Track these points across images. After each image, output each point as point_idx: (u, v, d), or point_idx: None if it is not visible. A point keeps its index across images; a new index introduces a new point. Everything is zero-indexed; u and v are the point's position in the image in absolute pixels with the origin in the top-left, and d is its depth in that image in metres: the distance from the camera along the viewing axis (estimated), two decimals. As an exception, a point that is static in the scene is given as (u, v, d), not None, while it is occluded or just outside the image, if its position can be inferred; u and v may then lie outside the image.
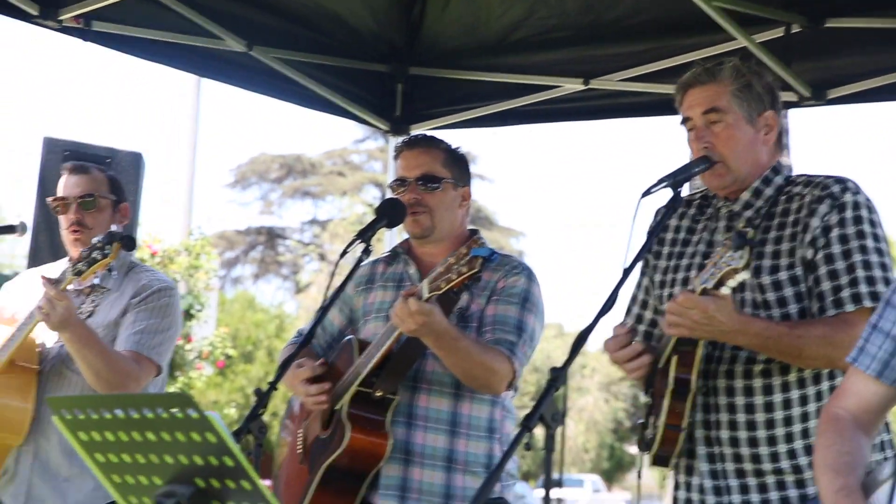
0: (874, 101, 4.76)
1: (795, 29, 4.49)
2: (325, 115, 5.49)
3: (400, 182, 3.51)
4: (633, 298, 3.22)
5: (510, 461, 3.41)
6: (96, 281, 3.66)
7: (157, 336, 3.64)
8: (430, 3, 5.09)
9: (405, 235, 3.64)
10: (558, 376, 2.36)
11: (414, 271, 3.52)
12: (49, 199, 3.87)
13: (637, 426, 3.01)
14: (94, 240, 3.47)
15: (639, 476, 3.04)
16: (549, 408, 2.28)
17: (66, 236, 3.77)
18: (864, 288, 2.82)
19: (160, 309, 3.67)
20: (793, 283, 2.88)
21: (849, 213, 2.87)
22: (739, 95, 2.95)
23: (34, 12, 4.56)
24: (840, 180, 2.92)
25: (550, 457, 2.24)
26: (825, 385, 2.90)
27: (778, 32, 4.52)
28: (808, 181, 2.97)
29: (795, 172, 3.10)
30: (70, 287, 3.54)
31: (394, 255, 3.62)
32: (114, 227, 3.53)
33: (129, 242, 3.45)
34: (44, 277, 3.52)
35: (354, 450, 3.26)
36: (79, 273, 3.45)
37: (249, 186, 37.55)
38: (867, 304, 2.80)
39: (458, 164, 3.56)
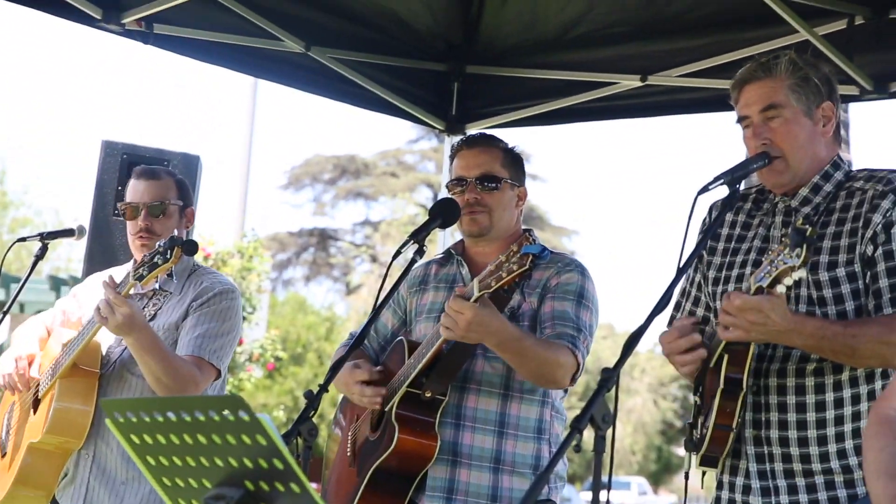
0: (938, 94, 4.64)
1: (859, 21, 4.40)
2: (379, 116, 5.53)
3: (458, 181, 3.48)
4: (685, 294, 3.16)
5: (559, 463, 3.36)
6: (157, 285, 3.66)
7: (217, 340, 3.64)
8: (488, 0, 5.05)
9: (458, 236, 3.60)
10: (610, 377, 2.33)
11: (467, 272, 3.50)
12: (119, 205, 3.87)
13: (685, 426, 2.97)
14: (157, 244, 3.47)
15: (686, 477, 3.01)
16: (599, 409, 2.24)
17: (133, 242, 3.77)
18: None
19: (221, 312, 3.67)
20: (851, 279, 2.82)
21: None
22: (797, 89, 2.90)
23: (97, 16, 4.61)
24: None
25: (600, 458, 2.21)
26: (878, 384, 2.84)
27: (840, 25, 4.44)
28: (871, 176, 2.91)
29: (857, 167, 3.03)
30: (132, 291, 3.54)
31: (447, 256, 3.60)
32: (176, 233, 3.53)
33: (190, 247, 3.45)
34: (104, 281, 3.53)
35: (403, 451, 3.24)
36: (140, 278, 3.46)
37: (303, 188, 37.80)
38: None
39: (516, 163, 3.53)
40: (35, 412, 3.74)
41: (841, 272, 2.82)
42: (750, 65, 2.97)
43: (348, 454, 3.48)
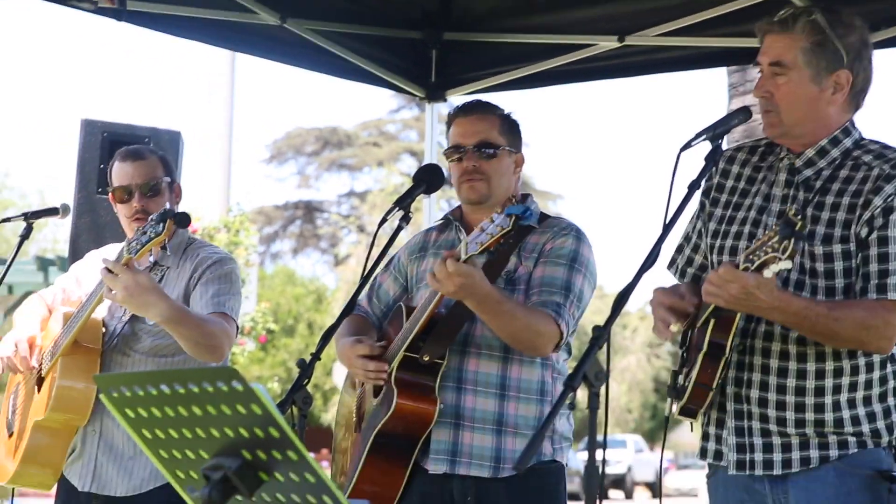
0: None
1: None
2: (359, 86, 5.50)
3: (455, 149, 3.46)
4: (687, 237, 3.15)
5: (565, 424, 3.40)
6: (152, 259, 3.66)
7: (231, 298, 3.68)
8: (462, -34, 5.03)
9: (444, 202, 3.60)
10: (601, 334, 2.34)
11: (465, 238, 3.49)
12: (109, 189, 3.83)
13: (671, 374, 3.01)
14: (150, 217, 3.46)
15: (666, 421, 3.03)
16: (591, 366, 2.26)
17: (129, 224, 3.75)
18: None
19: (225, 275, 3.70)
20: (845, 257, 2.82)
21: None
22: (809, 53, 2.83)
23: (70, -7, 4.56)
24: None
25: (595, 416, 2.23)
26: (861, 361, 2.85)
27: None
28: (881, 153, 2.87)
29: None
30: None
31: (446, 223, 3.60)
32: (167, 206, 3.52)
33: (182, 219, 3.44)
34: (103, 259, 3.52)
35: (402, 415, 3.26)
36: (133, 252, 3.44)
37: (286, 161, 37.69)
38: None
39: (513, 130, 3.52)
40: (39, 391, 3.75)
41: (837, 248, 2.81)
42: (780, 14, 2.89)
43: (354, 419, 3.50)
